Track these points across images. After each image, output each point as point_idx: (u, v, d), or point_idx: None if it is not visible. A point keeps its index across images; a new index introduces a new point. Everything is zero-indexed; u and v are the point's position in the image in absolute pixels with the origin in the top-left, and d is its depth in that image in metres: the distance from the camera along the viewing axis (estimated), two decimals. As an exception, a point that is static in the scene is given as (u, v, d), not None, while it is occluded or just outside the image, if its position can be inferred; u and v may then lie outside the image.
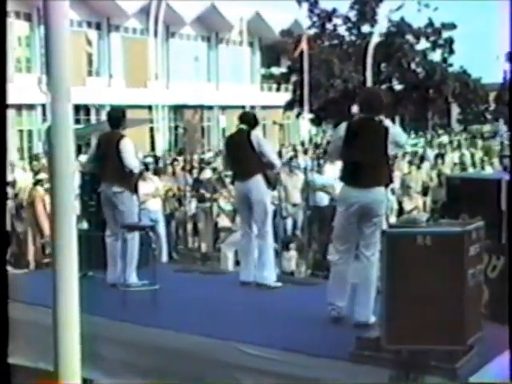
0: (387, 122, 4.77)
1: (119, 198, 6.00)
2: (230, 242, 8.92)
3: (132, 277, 5.92)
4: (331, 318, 4.70)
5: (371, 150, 4.64)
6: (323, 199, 11.05)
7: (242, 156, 5.91)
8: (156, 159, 17.54)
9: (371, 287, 4.64)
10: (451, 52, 33.05)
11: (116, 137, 6.05)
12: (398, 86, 33.39)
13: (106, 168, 6.09)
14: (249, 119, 6.11)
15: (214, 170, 13.88)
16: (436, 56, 33.32)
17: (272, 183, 6.06)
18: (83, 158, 16.63)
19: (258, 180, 5.91)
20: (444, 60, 33.24)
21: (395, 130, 4.73)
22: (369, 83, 26.47)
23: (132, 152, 6.11)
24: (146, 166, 9.68)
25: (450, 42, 32.74)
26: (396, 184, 12.62)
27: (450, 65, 33.56)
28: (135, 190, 6.20)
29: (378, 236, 4.62)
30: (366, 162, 4.62)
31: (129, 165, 5.96)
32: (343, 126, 4.81)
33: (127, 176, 6.01)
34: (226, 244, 9.14)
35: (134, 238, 5.93)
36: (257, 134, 6.01)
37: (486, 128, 37.72)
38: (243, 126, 6.03)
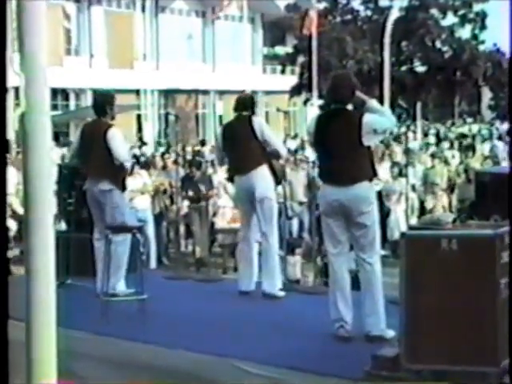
0: (373, 103, 4.78)
1: (108, 196, 5.98)
2: None
3: (118, 285, 5.91)
4: (339, 337, 4.72)
5: (344, 143, 4.69)
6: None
7: (243, 145, 5.86)
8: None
9: (376, 293, 4.69)
10: (483, 27, 32.72)
11: (103, 126, 6.01)
12: (420, 68, 33.28)
13: (91, 162, 6.05)
14: (246, 103, 6.05)
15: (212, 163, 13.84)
16: (465, 33, 33.07)
17: (278, 176, 6.03)
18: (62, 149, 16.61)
19: (263, 172, 5.89)
20: (474, 37, 32.92)
21: (371, 118, 4.68)
22: (386, 64, 26.42)
23: (123, 143, 6.09)
24: (137, 159, 9.70)
25: (482, 15, 32.38)
26: (417, 180, 12.63)
27: (482, 42, 33.21)
28: (124, 187, 6.18)
29: (372, 236, 4.75)
30: (340, 158, 4.69)
31: (120, 158, 5.93)
32: (313, 120, 4.95)
33: (116, 171, 5.98)
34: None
35: (124, 241, 5.90)
36: (259, 119, 5.99)
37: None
38: (242, 112, 6.03)
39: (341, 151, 4.69)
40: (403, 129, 20.16)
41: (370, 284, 4.71)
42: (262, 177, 5.88)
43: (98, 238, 6.12)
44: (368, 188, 4.76)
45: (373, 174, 4.83)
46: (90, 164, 6.06)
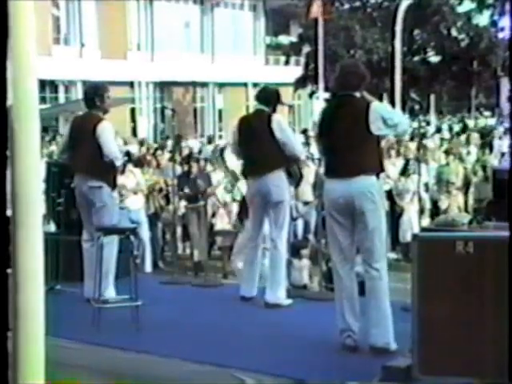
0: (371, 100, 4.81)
1: (96, 194, 6.00)
2: (238, 249, 8.89)
3: (109, 290, 5.93)
4: (347, 347, 4.72)
5: (351, 131, 4.68)
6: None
7: (259, 145, 5.83)
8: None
9: (381, 302, 4.66)
10: (502, 13, 32.49)
11: (93, 120, 6.03)
12: (434, 58, 33.22)
13: (79, 158, 6.07)
14: (268, 97, 6.04)
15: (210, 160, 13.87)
16: (483, 19, 32.89)
17: (294, 179, 6.03)
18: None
19: (280, 176, 5.87)
20: (493, 23, 32.73)
21: (380, 105, 4.75)
22: (398, 54, 26.40)
23: (112, 139, 6.09)
24: (129, 156, 9.69)
25: (501, 0, 32.13)
26: (430, 178, 12.62)
27: (501, 29, 32.93)
28: (115, 185, 6.19)
29: (375, 239, 4.67)
30: (345, 147, 4.67)
31: (110, 155, 5.93)
32: (321, 111, 5.03)
33: (106, 168, 5.99)
34: (234, 255, 9.14)
35: (112, 243, 5.93)
36: (279, 118, 5.91)
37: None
38: (262, 107, 6.01)
39: (347, 140, 4.67)
40: (416, 123, 20.15)
41: (375, 292, 4.67)
42: (277, 181, 5.85)
43: (86, 239, 6.15)
44: (372, 183, 4.66)
45: (380, 170, 4.78)
46: (79, 160, 6.07)
